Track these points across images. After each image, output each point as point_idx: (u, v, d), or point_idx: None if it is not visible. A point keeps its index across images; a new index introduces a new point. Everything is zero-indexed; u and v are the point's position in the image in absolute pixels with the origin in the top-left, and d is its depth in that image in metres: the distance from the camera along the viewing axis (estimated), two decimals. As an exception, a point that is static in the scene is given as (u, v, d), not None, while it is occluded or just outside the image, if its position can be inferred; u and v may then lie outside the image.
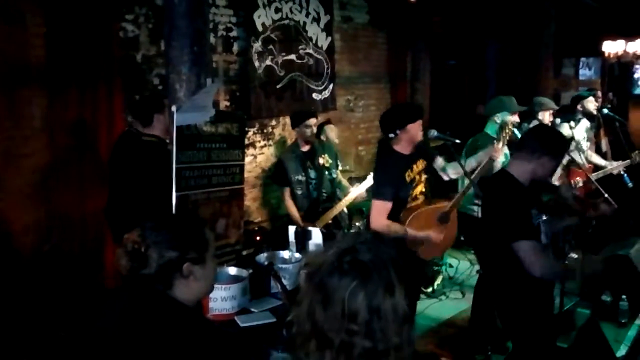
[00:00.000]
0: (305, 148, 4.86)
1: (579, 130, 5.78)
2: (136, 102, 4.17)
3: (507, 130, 4.02)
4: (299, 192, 4.79)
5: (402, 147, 3.72)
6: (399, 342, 1.28)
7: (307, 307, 1.31)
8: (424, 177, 3.85)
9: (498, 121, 4.47)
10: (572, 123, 5.71)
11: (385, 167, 3.75)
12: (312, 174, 4.81)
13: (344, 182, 5.19)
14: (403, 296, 1.30)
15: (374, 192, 3.76)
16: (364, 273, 1.29)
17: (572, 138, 5.75)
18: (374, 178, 3.88)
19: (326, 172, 4.86)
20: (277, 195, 6.21)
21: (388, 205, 3.63)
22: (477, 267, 4.93)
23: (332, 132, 5.02)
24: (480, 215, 4.29)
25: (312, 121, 4.85)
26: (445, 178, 4.16)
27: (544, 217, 3.07)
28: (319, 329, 1.28)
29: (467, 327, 4.53)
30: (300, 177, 4.78)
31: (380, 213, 3.63)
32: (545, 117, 5.34)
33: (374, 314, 1.26)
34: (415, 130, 3.69)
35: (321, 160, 4.87)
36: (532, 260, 2.83)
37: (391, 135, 3.72)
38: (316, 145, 4.94)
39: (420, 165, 3.80)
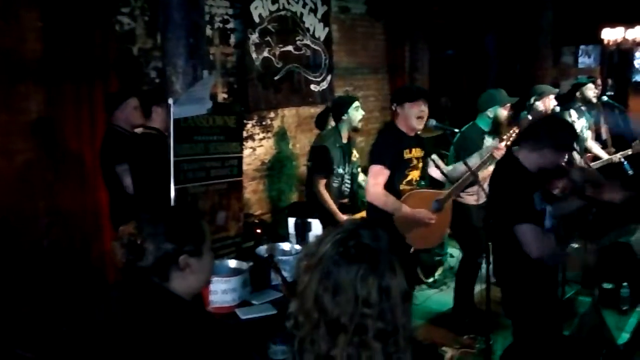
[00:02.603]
0: (346, 140, 4.67)
1: (581, 122, 5.76)
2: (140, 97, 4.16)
3: (512, 133, 4.01)
4: (335, 185, 4.61)
5: (402, 125, 3.82)
6: (405, 320, 1.31)
7: (313, 296, 1.31)
8: (420, 164, 3.90)
9: (491, 115, 4.46)
10: (574, 113, 5.68)
11: (385, 137, 3.87)
12: (347, 168, 4.67)
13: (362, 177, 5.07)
14: (403, 275, 1.33)
15: (372, 159, 3.79)
16: (371, 256, 1.31)
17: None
18: (373, 147, 3.89)
19: (353, 167, 4.77)
20: (277, 187, 6.21)
21: (386, 172, 3.66)
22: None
23: (356, 112, 4.63)
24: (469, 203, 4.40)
25: (358, 103, 4.68)
26: (439, 177, 4.18)
27: (549, 206, 3.06)
28: (330, 316, 1.28)
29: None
30: (340, 170, 4.61)
31: (378, 180, 3.67)
32: (547, 103, 5.30)
33: (383, 295, 1.28)
34: (410, 110, 3.76)
35: (352, 156, 4.76)
36: (529, 242, 2.88)
37: (392, 107, 3.92)
38: (352, 139, 4.80)
39: (417, 152, 3.86)
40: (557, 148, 3.02)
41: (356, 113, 4.59)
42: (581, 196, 3.32)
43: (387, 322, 1.28)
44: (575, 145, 4.90)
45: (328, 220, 4.28)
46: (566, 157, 3.21)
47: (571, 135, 3.17)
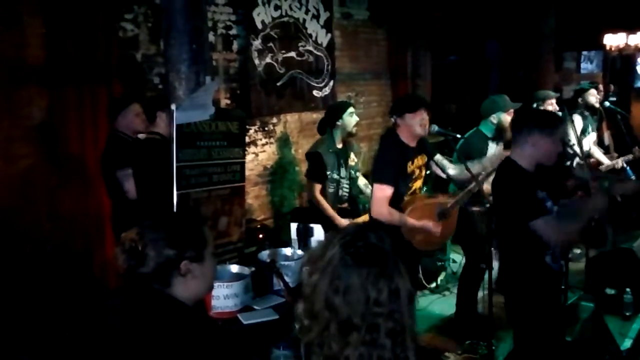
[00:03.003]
0: (340, 145, 4.64)
1: (583, 128, 5.77)
2: (143, 102, 4.19)
3: None
4: (330, 190, 4.58)
5: (404, 136, 3.78)
6: (411, 321, 1.35)
7: (323, 299, 1.33)
8: (423, 172, 3.90)
9: (495, 121, 4.45)
10: (576, 118, 5.69)
11: (388, 151, 3.80)
12: (343, 172, 4.63)
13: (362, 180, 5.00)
14: (408, 276, 1.37)
15: (375, 177, 3.78)
16: (380, 258, 1.34)
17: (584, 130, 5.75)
18: (375, 162, 3.88)
19: (352, 172, 4.74)
20: (280, 193, 6.21)
21: (389, 190, 3.64)
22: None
23: (350, 117, 4.57)
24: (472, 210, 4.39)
25: (352, 108, 4.66)
26: (443, 175, 4.16)
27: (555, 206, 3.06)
28: (341, 317, 1.31)
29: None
30: (335, 175, 4.57)
31: (381, 198, 3.65)
32: (549, 108, 5.30)
33: (393, 295, 1.32)
34: (412, 120, 3.73)
35: (349, 160, 4.73)
36: (551, 233, 2.87)
37: (392, 119, 3.84)
38: (349, 143, 4.76)
39: (420, 160, 3.84)
40: (541, 131, 2.99)
41: (350, 119, 4.58)
42: (588, 192, 3.31)
43: (396, 322, 1.31)
44: (575, 148, 4.93)
45: (330, 225, 4.28)
46: (559, 147, 3.19)
47: (551, 116, 3.15)
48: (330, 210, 4.49)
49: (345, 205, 4.70)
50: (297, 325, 1.38)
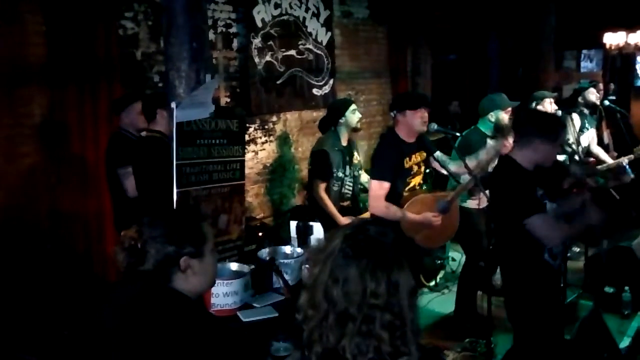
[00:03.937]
0: (345, 142, 4.63)
1: (582, 126, 5.78)
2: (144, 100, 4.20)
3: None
4: (335, 188, 4.57)
5: (403, 132, 3.80)
6: (412, 315, 1.35)
7: (323, 289, 1.35)
8: (423, 169, 3.90)
9: (492, 119, 4.46)
10: (576, 117, 5.69)
11: (385, 148, 3.83)
12: (348, 171, 4.63)
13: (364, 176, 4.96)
14: (409, 271, 1.37)
15: (373, 173, 3.80)
16: (379, 250, 1.35)
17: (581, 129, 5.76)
18: (373, 159, 3.89)
19: (355, 170, 4.74)
20: (280, 191, 6.22)
21: (386, 185, 3.66)
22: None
23: (353, 115, 4.57)
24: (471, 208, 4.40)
25: (354, 106, 4.67)
26: (443, 172, 4.17)
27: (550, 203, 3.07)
28: (338, 307, 1.32)
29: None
30: (340, 174, 4.57)
31: (378, 194, 3.67)
32: (547, 107, 5.32)
33: (391, 288, 1.32)
34: (413, 118, 3.74)
35: (353, 158, 4.73)
36: (547, 232, 2.88)
37: (391, 114, 3.87)
38: (352, 141, 4.78)
39: (419, 156, 3.85)
40: (544, 137, 3.02)
41: (353, 116, 4.58)
42: (583, 187, 3.33)
43: (394, 315, 1.32)
44: (575, 147, 4.94)
45: (330, 223, 4.29)
46: (558, 150, 3.21)
47: (555, 123, 3.16)
48: (333, 209, 4.49)
49: (347, 203, 4.70)
50: (300, 316, 1.40)
